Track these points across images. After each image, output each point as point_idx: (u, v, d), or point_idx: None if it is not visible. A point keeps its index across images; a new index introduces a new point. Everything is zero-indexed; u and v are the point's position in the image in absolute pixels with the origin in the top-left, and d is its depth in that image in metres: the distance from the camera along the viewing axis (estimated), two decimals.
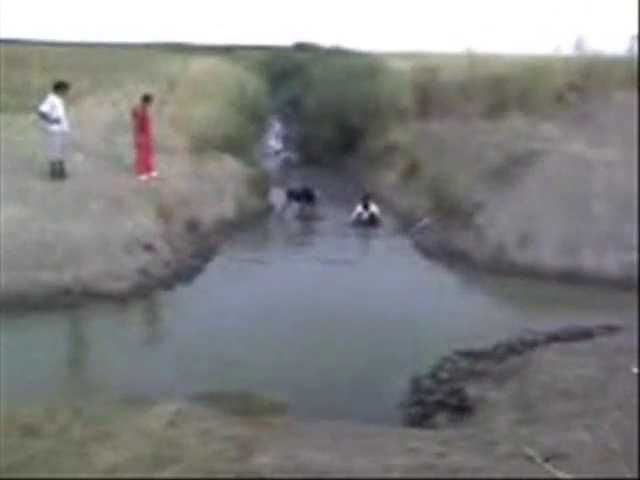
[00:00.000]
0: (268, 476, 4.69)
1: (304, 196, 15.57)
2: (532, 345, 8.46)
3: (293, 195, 15.68)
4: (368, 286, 11.23)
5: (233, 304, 10.21)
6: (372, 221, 15.08)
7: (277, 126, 30.59)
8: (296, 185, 15.92)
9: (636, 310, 8.76)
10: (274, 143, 22.13)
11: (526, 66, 19.67)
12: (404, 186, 17.14)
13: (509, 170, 14.00)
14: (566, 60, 19.20)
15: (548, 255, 11.93)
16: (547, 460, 4.60)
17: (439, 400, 7.23)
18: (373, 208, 15.18)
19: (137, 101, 14.16)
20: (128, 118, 14.14)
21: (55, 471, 4.74)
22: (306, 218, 15.41)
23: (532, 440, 5.43)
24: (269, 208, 16.03)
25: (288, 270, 12.09)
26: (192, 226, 13.20)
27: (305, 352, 8.52)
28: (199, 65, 30.96)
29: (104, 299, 10.02)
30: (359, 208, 15.19)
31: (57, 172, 12.60)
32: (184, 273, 11.38)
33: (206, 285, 11.15)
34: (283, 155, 21.29)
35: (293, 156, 21.34)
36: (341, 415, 6.63)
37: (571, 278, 11.38)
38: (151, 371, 7.94)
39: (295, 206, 15.62)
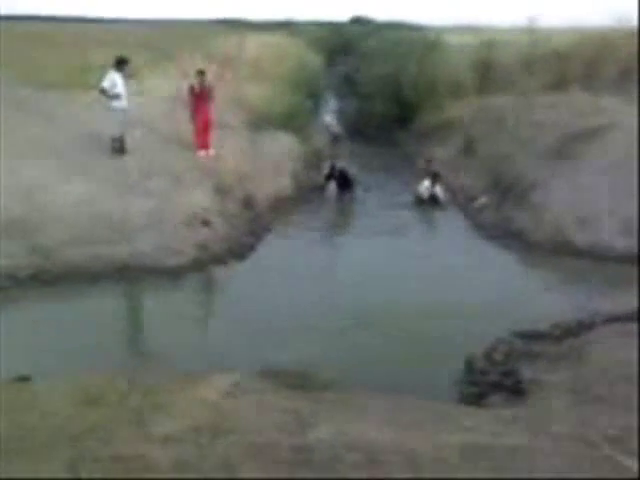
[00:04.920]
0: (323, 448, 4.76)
1: (341, 179, 15.23)
2: (590, 326, 8.30)
3: (331, 177, 15.35)
4: (423, 265, 11.14)
5: (286, 282, 10.27)
6: (433, 201, 14.69)
7: (332, 101, 30.45)
8: (333, 165, 15.49)
9: None
10: (329, 118, 22.03)
11: (589, 39, 19.07)
12: (460, 163, 16.89)
13: (569, 147, 13.63)
14: (631, 31, 18.45)
15: (608, 235, 11.60)
16: (605, 442, 4.55)
17: (494, 381, 7.17)
18: (437, 189, 14.75)
19: (193, 78, 14.24)
20: (186, 94, 14.26)
21: (113, 440, 4.86)
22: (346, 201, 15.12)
23: (589, 422, 5.37)
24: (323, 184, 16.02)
25: (341, 249, 12.12)
26: (248, 202, 13.33)
27: (359, 331, 8.50)
28: (256, 41, 31.06)
29: (162, 272, 10.24)
30: (425, 183, 14.76)
31: (118, 148, 12.88)
32: (239, 249, 11.51)
33: (260, 262, 11.23)
34: (336, 130, 21.16)
35: (345, 131, 21.22)
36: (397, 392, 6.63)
37: (631, 258, 11.06)
38: (206, 344, 8.13)
39: (333, 187, 15.26)
